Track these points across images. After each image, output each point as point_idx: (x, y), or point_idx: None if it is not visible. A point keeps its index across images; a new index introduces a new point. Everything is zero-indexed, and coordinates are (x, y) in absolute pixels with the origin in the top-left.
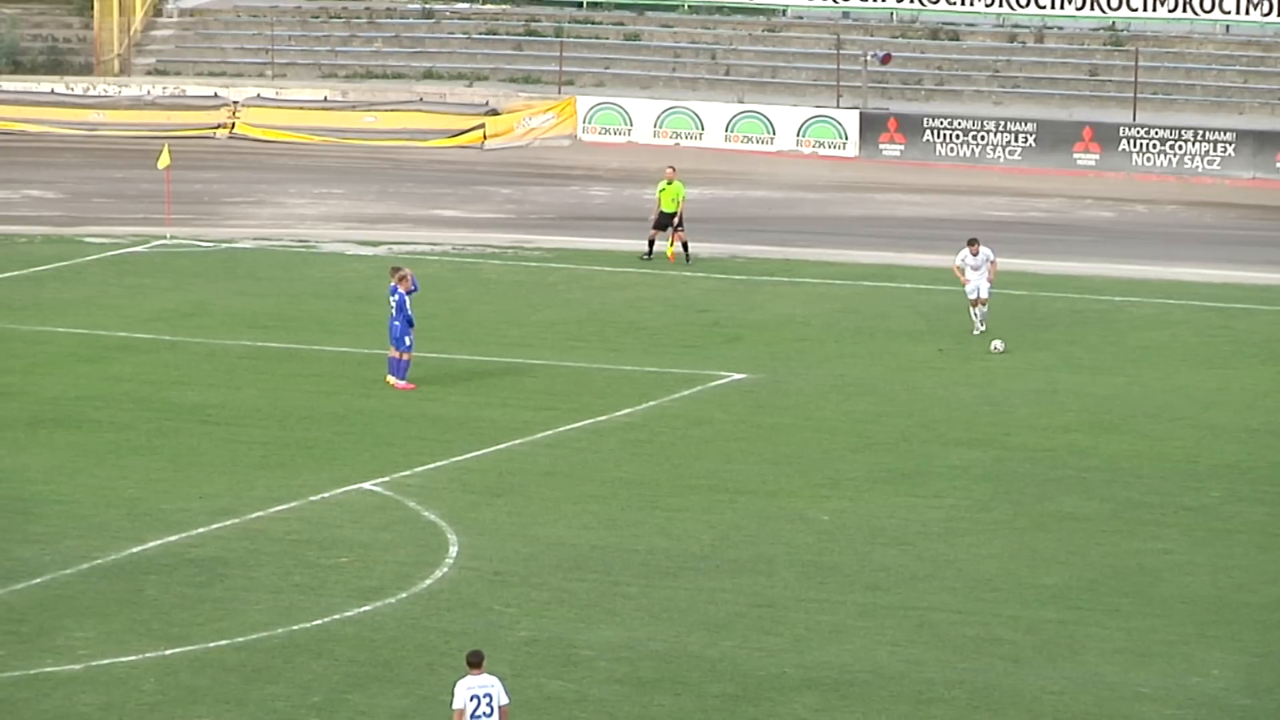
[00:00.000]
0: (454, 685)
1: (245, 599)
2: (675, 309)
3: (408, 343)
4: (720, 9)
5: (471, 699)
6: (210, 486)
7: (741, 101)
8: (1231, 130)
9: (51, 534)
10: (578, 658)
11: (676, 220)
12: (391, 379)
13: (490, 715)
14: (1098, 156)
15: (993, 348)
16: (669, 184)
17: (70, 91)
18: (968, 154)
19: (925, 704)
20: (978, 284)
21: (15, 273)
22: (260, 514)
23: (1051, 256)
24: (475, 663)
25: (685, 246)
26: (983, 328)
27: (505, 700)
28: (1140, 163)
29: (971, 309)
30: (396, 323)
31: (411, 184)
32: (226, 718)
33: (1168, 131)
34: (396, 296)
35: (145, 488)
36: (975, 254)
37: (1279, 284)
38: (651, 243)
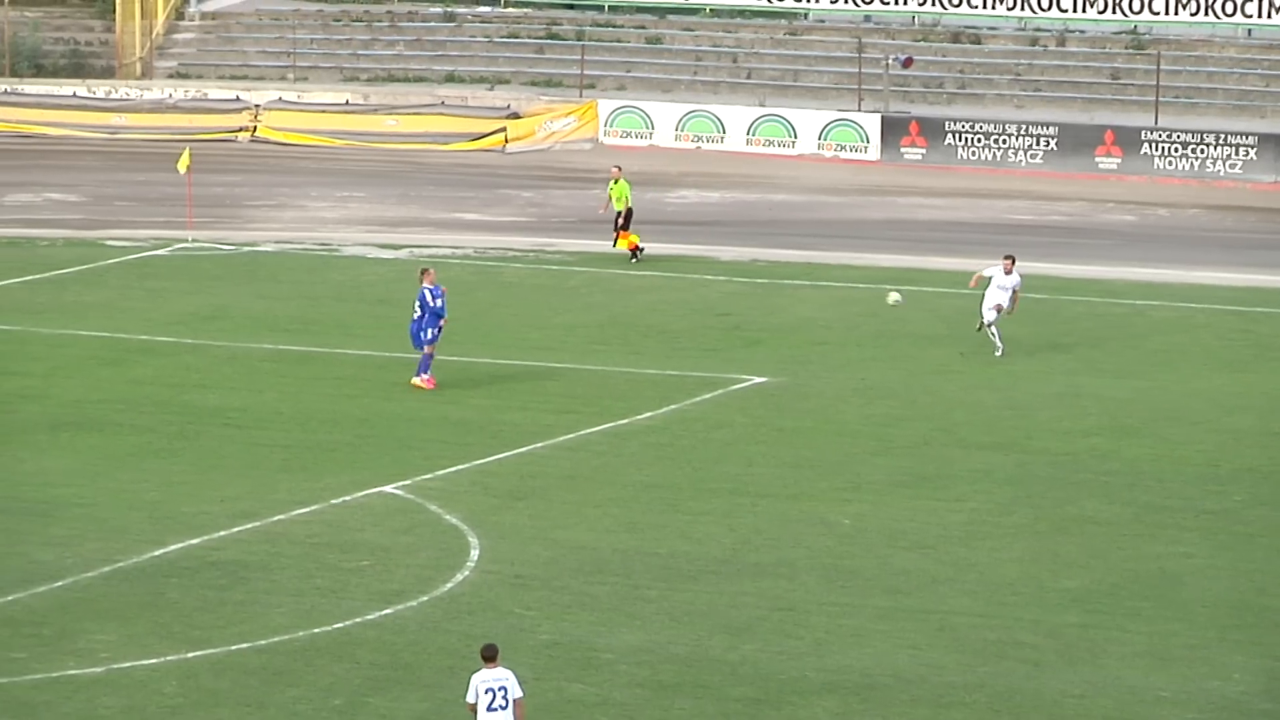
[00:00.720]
0: (460, 668)
1: (266, 602)
2: (696, 312)
3: (430, 335)
4: (742, 12)
5: (486, 692)
6: (231, 490)
7: (763, 105)
8: (1253, 134)
9: (72, 537)
10: (599, 661)
11: (622, 219)
12: (417, 379)
13: (505, 709)
14: (1119, 160)
15: (891, 300)
16: (615, 183)
17: (92, 95)
18: (989, 157)
19: (945, 708)
20: (1000, 303)
21: (37, 276)
22: (281, 517)
23: (1073, 260)
24: (489, 656)
25: (621, 240)
26: (999, 344)
27: (519, 694)
28: (1162, 166)
29: (989, 328)
30: (423, 320)
31: (433, 187)
32: None
33: (1189, 135)
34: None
35: (166, 491)
36: (1008, 272)
37: None
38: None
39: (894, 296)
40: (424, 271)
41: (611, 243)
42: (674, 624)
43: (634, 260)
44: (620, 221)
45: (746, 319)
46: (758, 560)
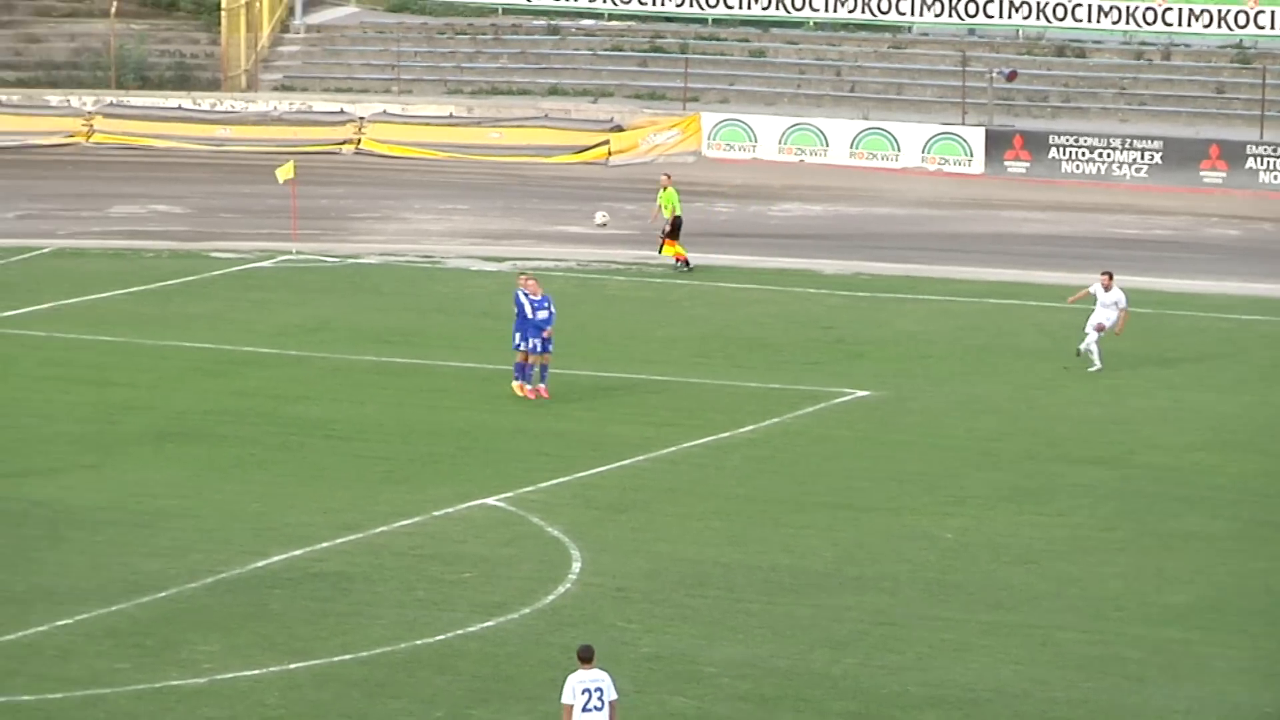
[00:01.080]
0: (563, 680)
1: (369, 614)
2: (799, 325)
3: (531, 345)
4: (845, 26)
5: (583, 692)
6: (334, 501)
7: (866, 118)
8: None
9: (177, 547)
10: (700, 674)
11: (669, 227)
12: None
13: (600, 710)
14: (1224, 174)
15: (597, 220)
16: (664, 191)
17: (197, 107)
18: (1094, 171)
19: None
20: (1103, 322)
21: (142, 287)
22: (384, 529)
23: (1177, 274)
24: (586, 658)
25: (667, 248)
26: (1097, 361)
27: (614, 695)
28: (1267, 180)
29: (1089, 350)
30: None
31: (536, 200)
32: None
33: None
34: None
35: (270, 502)
36: (1107, 288)
37: None
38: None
39: (600, 216)
40: (520, 276)
41: (657, 249)
42: (776, 637)
43: (686, 269)
44: (667, 229)
45: (849, 332)
46: (860, 574)
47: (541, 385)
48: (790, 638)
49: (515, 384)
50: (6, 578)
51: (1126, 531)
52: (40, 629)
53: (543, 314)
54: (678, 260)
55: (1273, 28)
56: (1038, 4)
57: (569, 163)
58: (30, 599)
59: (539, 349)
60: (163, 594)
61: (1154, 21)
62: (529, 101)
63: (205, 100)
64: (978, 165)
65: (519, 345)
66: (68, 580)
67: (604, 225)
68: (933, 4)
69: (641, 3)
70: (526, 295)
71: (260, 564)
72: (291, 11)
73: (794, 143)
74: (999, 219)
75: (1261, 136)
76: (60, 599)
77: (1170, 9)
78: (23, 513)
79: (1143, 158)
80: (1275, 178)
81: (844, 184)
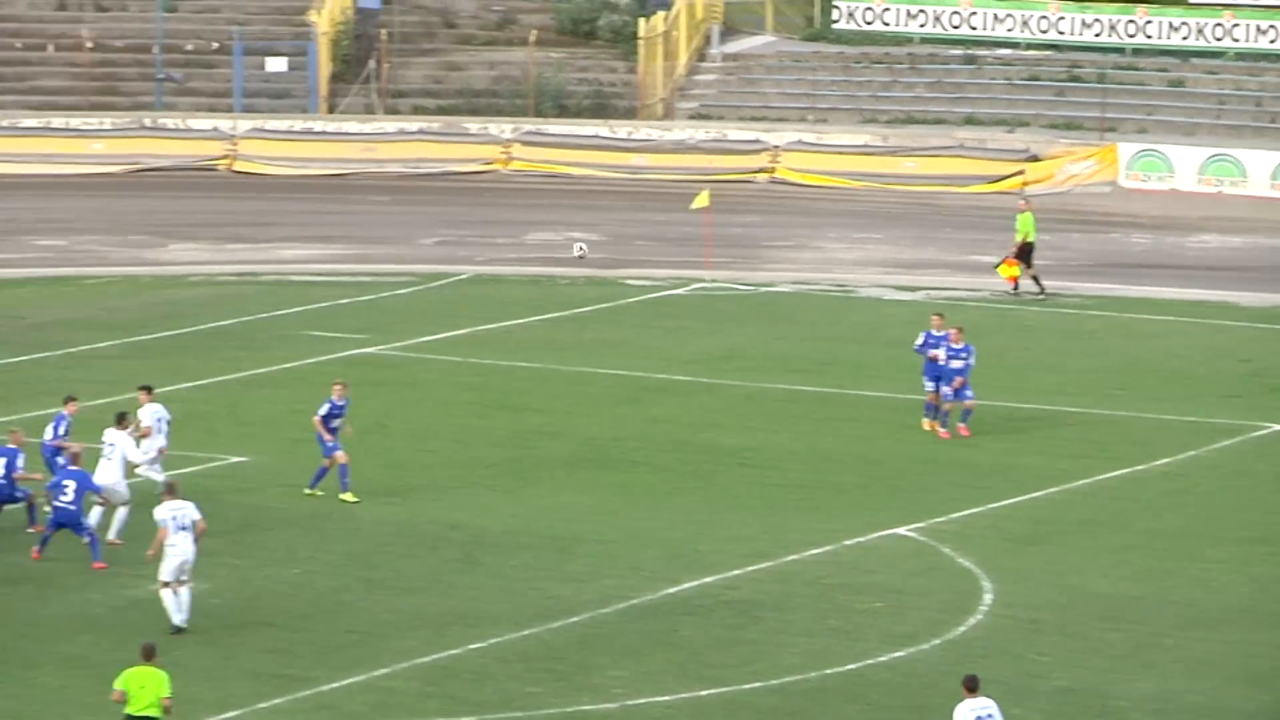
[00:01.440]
0: (953, 711)
1: (779, 642)
2: (1216, 358)
3: (942, 391)
4: (1266, 56)
5: (976, 719)
6: (746, 529)
7: None
8: None
9: (589, 573)
10: (1113, 709)
11: (1017, 250)
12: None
13: None
14: None
15: (576, 251)
16: (1022, 215)
17: (614, 135)
18: None
19: None
20: None
21: (559, 313)
22: (794, 557)
23: None
24: (971, 687)
25: (1035, 280)
26: None
27: None
28: None
29: None
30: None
31: (950, 229)
32: None
33: None
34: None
35: (682, 529)
36: None
37: None
38: (1034, 278)
39: (578, 249)
40: (934, 316)
41: (993, 266)
42: (1190, 673)
43: (1014, 293)
44: (1016, 251)
45: (1268, 365)
46: (1277, 610)
47: (961, 425)
48: (1205, 673)
49: (925, 420)
50: (423, 600)
51: None
52: (454, 652)
53: (957, 363)
54: (1011, 282)
55: None
56: None
57: (983, 192)
58: (445, 622)
59: (953, 396)
60: (575, 619)
61: None
62: (944, 131)
63: (622, 128)
64: None
65: (930, 387)
66: (482, 603)
67: (582, 256)
68: None
69: (1059, 32)
70: (944, 341)
71: (671, 590)
72: (708, 41)
73: (1213, 173)
74: None
75: None
76: (474, 622)
77: None
78: (439, 536)
79: None
80: None
81: (1263, 216)
